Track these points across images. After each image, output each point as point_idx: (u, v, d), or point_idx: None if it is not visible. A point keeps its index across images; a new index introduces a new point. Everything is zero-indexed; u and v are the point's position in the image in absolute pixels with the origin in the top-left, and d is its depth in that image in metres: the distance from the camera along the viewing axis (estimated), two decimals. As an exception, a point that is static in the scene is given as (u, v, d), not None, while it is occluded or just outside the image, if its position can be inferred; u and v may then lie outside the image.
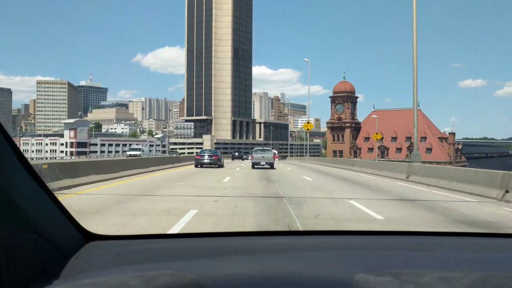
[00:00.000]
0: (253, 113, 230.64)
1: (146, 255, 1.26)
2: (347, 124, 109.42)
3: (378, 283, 0.85)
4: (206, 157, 27.77)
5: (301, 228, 6.42)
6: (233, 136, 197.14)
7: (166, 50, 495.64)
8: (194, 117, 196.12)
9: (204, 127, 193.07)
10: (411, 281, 0.94)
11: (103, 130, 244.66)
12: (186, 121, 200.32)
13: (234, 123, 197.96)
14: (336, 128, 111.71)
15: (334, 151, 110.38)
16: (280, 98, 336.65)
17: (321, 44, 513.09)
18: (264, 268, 1.00)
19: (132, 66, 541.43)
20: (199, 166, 27.24)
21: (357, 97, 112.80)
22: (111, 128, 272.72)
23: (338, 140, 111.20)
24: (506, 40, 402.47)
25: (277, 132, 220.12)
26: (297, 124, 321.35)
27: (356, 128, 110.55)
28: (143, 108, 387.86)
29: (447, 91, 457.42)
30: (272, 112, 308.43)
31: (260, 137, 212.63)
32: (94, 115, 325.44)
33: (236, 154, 51.12)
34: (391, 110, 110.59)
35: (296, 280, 0.83)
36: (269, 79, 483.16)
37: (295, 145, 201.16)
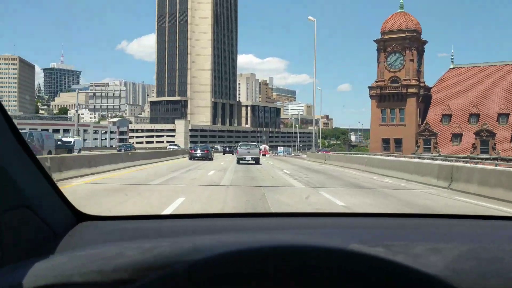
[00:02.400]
0: (239, 96, 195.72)
1: (140, 233, 1.26)
2: (410, 90, 58.02)
3: (371, 253, 0.88)
4: (198, 151, 33.60)
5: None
6: (214, 122, 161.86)
7: (151, 37, 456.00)
8: (166, 98, 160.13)
9: (177, 110, 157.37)
10: (402, 252, 0.97)
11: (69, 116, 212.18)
12: (154, 103, 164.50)
13: (215, 106, 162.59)
14: (388, 97, 59.53)
15: (385, 141, 59.97)
16: (268, 82, 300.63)
17: (309, 32, 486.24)
18: (261, 238, 1.02)
19: (115, 53, 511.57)
20: (192, 159, 32.20)
21: (425, 42, 61.48)
22: (80, 113, 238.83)
23: (392, 119, 59.58)
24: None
25: (267, 118, 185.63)
26: (286, 110, 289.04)
27: (425, 98, 59.97)
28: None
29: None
30: (259, 97, 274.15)
31: (246, 123, 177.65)
32: (62, 99, 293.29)
33: (227, 149, 54.48)
34: (484, 66, 60.77)
35: (288, 250, 0.85)
36: (257, 68, 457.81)
37: (291, 133, 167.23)
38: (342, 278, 0.76)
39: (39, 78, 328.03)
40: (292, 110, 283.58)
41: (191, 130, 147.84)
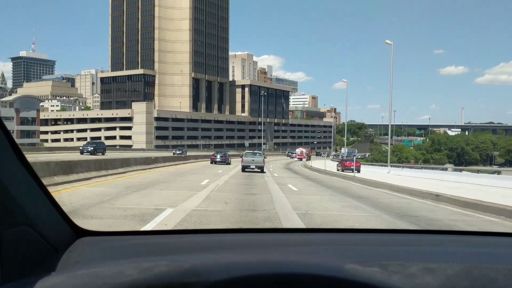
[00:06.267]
0: (232, 76, 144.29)
1: (140, 249, 1.26)
2: None
3: (366, 273, 0.87)
4: (218, 157, 38.72)
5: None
6: (195, 107, 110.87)
7: None
8: (123, 72, 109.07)
9: (138, 90, 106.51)
10: (397, 271, 0.96)
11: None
12: (106, 81, 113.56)
13: (196, 84, 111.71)
14: None
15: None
16: (266, 70, 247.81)
17: (305, 30, 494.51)
18: (258, 258, 1.01)
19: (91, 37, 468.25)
20: (213, 163, 37.84)
21: None
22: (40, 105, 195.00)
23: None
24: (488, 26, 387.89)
25: (271, 105, 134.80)
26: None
27: None
28: (93, 83, 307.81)
29: (428, 79, 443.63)
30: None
31: (243, 111, 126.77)
32: (25, 90, 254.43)
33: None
34: None
35: (287, 267, 0.85)
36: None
37: (303, 126, 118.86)
38: None
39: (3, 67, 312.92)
40: (294, 102, 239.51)
41: (157, 119, 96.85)
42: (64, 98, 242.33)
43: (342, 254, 1.20)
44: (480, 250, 1.36)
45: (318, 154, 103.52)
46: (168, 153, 48.89)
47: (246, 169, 25.99)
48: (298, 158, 73.21)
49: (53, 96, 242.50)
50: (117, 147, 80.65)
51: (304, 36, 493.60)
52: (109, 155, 33.23)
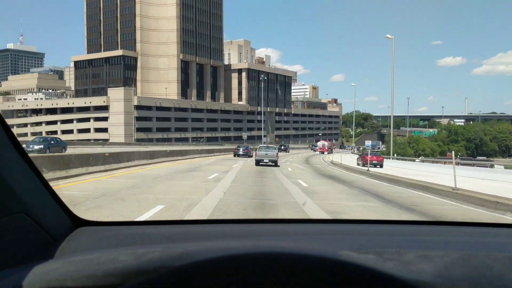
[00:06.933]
0: (229, 60, 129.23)
1: (136, 238, 1.28)
2: None
3: (361, 260, 0.87)
4: (241, 150, 40.87)
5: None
6: (184, 94, 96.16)
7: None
8: (100, 54, 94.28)
9: (116, 75, 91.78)
10: (393, 258, 0.96)
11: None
12: (81, 65, 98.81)
13: (185, 68, 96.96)
14: None
15: None
16: (264, 60, 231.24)
17: (303, 23, 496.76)
18: (254, 246, 1.03)
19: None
20: (236, 156, 39.49)
21: None
22: (23, 99, 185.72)
23: None
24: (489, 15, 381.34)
25: (272, 93, 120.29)
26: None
27: None
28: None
29: (426, 70, 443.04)
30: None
31: (240, 99, 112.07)
32: (10, 83, 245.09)
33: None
34: None
35: (278, 256, 0.86)
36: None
37: (306, 116, 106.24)
38: (331, 284, 0.74)
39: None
40: (294, 92, 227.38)
41: (139, 108, 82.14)
42: (51, 91, 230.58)
43: (337, 242, 1.19)
44: (478, 239, 1.36)
45: (342, 147, 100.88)
46: (160, 147, 42.36)
47: (260, 163, 26.22)
48: (320, 152, 70.01)
49: (39, 89, 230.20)
50: (92, 141, 66.95)
51: (301, 29, 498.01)
52: (71, 151, 25.16)
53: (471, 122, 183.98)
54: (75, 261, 0.90)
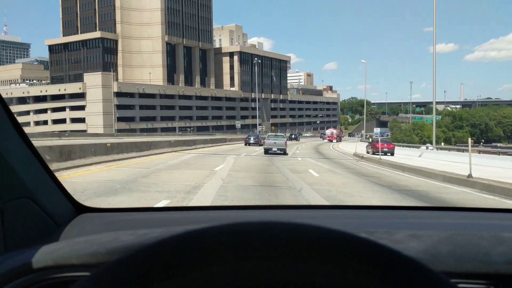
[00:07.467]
0: (220, 43, 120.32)
1: (139, 223, 1.32)
2: None
3: None
4: (251, 139, 40.87)
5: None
6: (171, 80, 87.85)
7: None
8: (77, 37, 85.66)
9: (95, 60, 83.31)
10: (383, 237, 0.99)
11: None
12: (56, 49, 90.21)
13: (172, 51, 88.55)
14: None
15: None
16: (257, 47, 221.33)
17: (295, 11, 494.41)
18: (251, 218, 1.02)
19: None
20: (247, 144, 39.97)
21: None
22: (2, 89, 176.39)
23: None
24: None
25: (266, 78, 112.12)
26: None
27: None
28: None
29: (418, 57, 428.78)
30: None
31: (232, 84, 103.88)
32: None
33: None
34: None
35: (273, 225, 0.76)
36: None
37: (303, 103, 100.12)
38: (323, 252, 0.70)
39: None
40: (289, 80, 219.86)
41: (119, 95, 73.91)
42: (35, 81, 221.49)
43: (331, 224, 1.18)
44: (468, 222, 1.41)
45: (351, 135, 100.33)
46: (157, 138, 37.45)
47: (268, 152, 26.31)
48: (328, 140, 66.93)
49: (23, 79, 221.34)
50: (67, 134, 58.74)
51: (294, 17, 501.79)
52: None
53: (468, 108, 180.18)
54: (79, 241, 0.94)
